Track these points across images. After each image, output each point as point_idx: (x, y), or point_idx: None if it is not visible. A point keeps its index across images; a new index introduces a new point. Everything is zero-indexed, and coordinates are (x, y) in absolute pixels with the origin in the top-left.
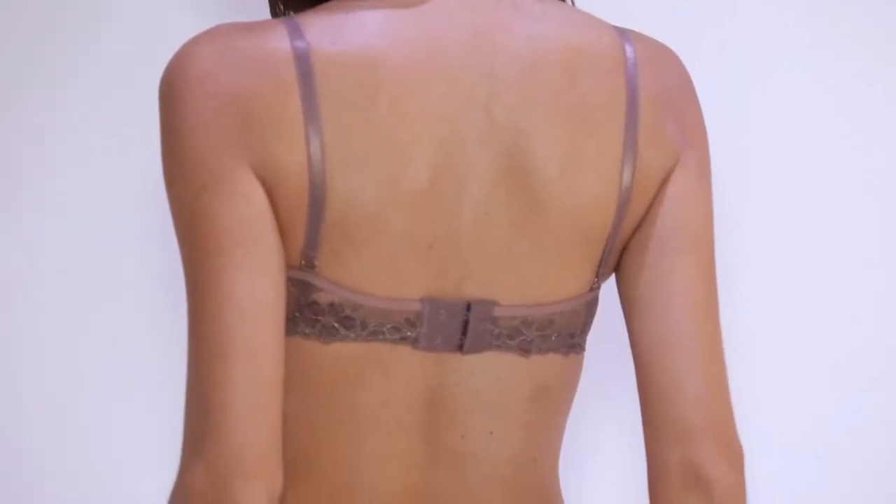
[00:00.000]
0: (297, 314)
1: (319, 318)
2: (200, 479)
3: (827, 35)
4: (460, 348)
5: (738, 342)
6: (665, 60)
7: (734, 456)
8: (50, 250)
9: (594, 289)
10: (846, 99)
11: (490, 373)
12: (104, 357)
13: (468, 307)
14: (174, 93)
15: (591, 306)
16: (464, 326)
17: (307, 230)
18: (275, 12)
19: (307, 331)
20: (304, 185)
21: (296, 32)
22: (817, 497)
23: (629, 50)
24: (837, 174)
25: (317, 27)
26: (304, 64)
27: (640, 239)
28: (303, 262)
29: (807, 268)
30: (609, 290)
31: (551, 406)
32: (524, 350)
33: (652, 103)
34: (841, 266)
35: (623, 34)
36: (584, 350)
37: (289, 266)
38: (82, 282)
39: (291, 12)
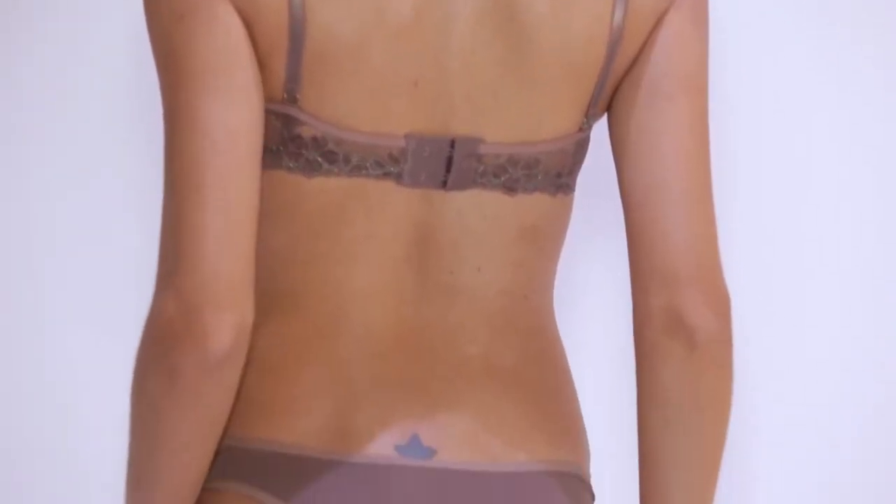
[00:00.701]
0: (280, 148)
1: (302, 151)
2: (170, 308)
3: None
4: (444, 185)
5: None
6: None
7: (720, 304)
8: (48, 245)
9: (583, 129)
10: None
11: (476, 210)
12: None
13: (452, 144)
14: None
15: (580, 147)
16: (448, 163)
17: (288, 63)
18: None
19: (291, 165)
20: (283, 16)
21: None
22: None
23: None
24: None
25: None
26: None
27: (632, 80)
28: (285, 96)
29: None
30: (601, 132)
31: (539, 245)
32: (510, 188)
33: None
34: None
35: None
36: (572, 191)
37: (272, 100)
38: (81, 279)
39: None
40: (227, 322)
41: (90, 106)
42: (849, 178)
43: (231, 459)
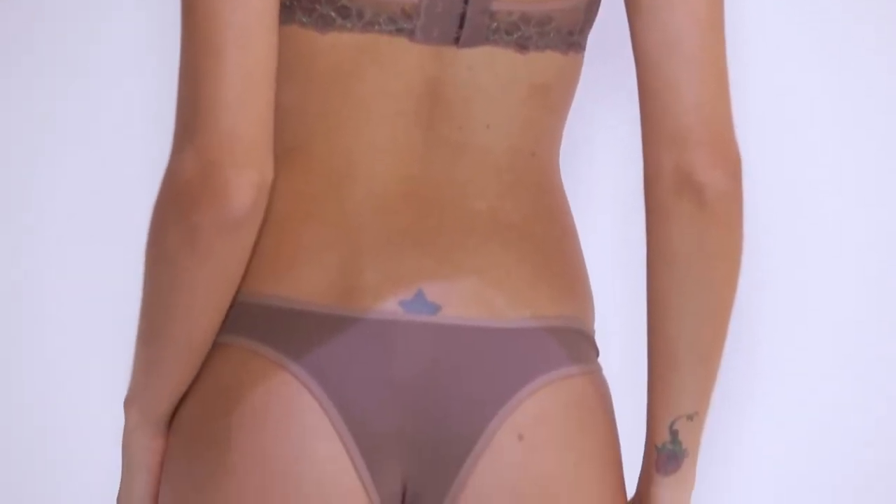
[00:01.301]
0: (293, 2)
1: (316, 6)
2: (189, 167)
3: None
4: (457, 41)
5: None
6: None
7: (730, 163)
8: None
9: None
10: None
11: (488, 68)
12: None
13: (465, 0)
14: None
15: (591, 5)
16: (461, 19)
17: None
18: None
19: (304, 20)
20: None
21: None
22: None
23: None
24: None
25: None
26: None
27: None
28: None
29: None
30: None
31: (549, 103)
32: (521, 46)
33: None
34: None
35: None
36: (583, 49)
37: None
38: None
39: None
40: (247, 180)
41: (84, 107)
42: (852, 166)
43: (237, 314)
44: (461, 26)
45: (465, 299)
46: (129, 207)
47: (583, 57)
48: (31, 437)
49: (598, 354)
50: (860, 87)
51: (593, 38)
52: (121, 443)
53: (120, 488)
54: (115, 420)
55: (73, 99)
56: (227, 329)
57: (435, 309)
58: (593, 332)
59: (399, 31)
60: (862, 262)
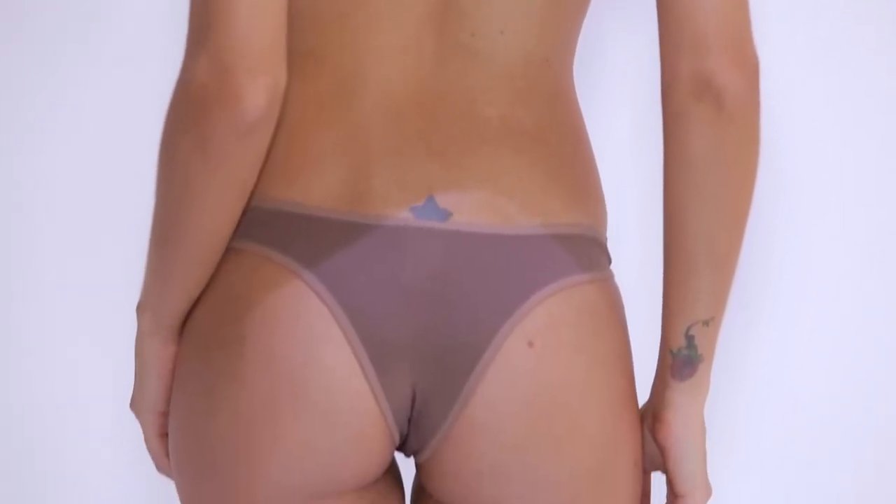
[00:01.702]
0: None
1: None
2: (202, 72)
3: None
4: None
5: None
6: None
7: (748, 66)
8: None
9: None
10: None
11: None
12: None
13: None
14: None
15: None
16: None
17: None
18: None
19: None
20: None
21: None
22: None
23: None
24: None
25: None
26: None
27: None
28: None
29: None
30: None
31: (564, 9)
32: None
33: None
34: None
35: None
36: None
37: None
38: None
39: None
40: (260, 85)
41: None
42: (852, 165)
43: (249, 219)
44: None
45: (476, 206)
46: (127, 205)
47: None
48: (29, 436)
49: (610, 262)
50: (860, 86)
51: None
52: (134, 349)
53: (133, 394)
54: (112, 417)
55: (71, 97)
56: (240, 234)
57: (445, 215)
58: (606, 239)
59: None
60: (863, 261)
